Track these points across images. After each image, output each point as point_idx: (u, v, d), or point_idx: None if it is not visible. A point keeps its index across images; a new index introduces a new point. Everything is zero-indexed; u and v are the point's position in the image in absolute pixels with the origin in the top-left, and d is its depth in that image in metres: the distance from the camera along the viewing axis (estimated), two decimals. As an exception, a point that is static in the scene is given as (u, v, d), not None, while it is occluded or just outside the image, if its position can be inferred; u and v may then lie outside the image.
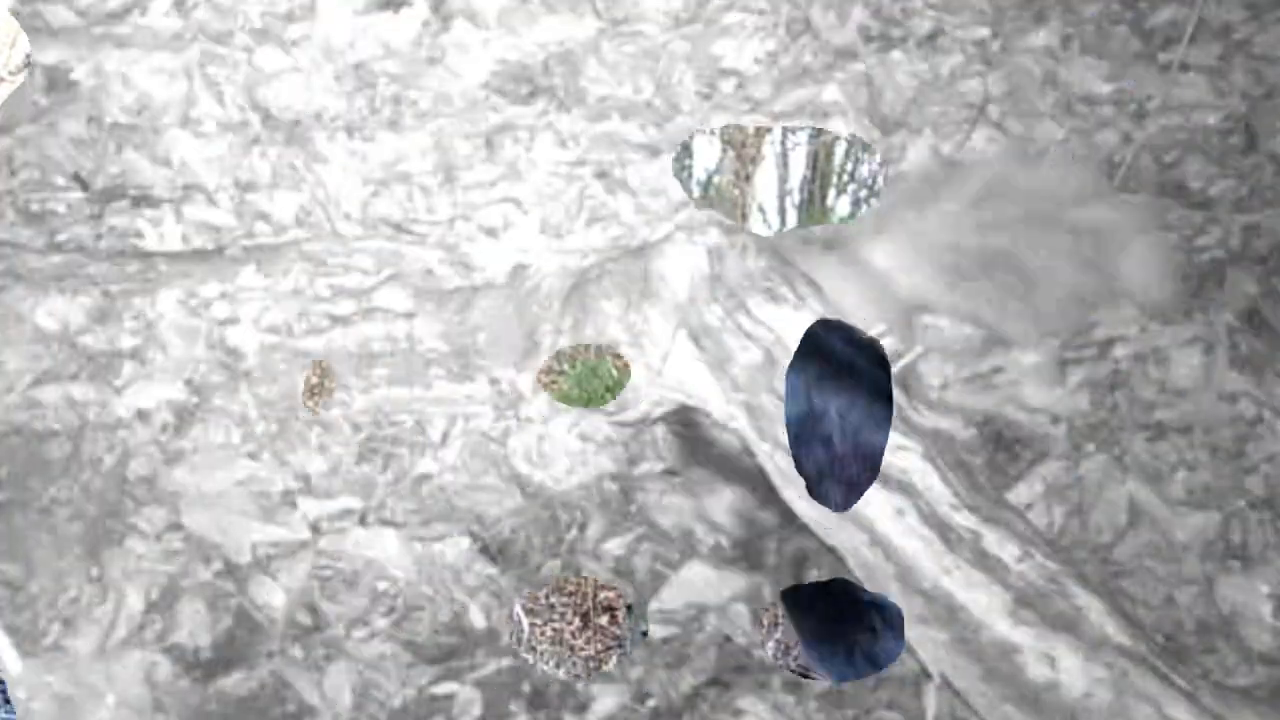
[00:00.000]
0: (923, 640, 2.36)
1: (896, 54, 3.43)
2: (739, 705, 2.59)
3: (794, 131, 3.09)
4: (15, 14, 3.24)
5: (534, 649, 2.47)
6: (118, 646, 2.52)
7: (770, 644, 2.63)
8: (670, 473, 2.83)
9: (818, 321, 2.46)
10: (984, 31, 3.49)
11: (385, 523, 2.70)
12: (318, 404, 2.60)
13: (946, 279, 2.66)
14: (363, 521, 2.69)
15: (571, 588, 2.47)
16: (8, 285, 2.74)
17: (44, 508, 2.61)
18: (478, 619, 2.64)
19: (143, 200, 3.06)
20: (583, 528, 2.76)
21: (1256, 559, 2.75)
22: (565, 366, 2.52)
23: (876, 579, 2.38)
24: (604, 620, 2.48)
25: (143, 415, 2.70)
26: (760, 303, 2.44)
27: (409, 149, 3.20)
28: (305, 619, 2.60)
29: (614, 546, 2.75)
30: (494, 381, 2.73)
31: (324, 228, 3.05)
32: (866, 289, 2.68)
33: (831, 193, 2.80)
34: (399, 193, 3.14)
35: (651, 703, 2.59)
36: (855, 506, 2.37)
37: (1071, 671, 2.25)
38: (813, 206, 2.76)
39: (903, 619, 2.39)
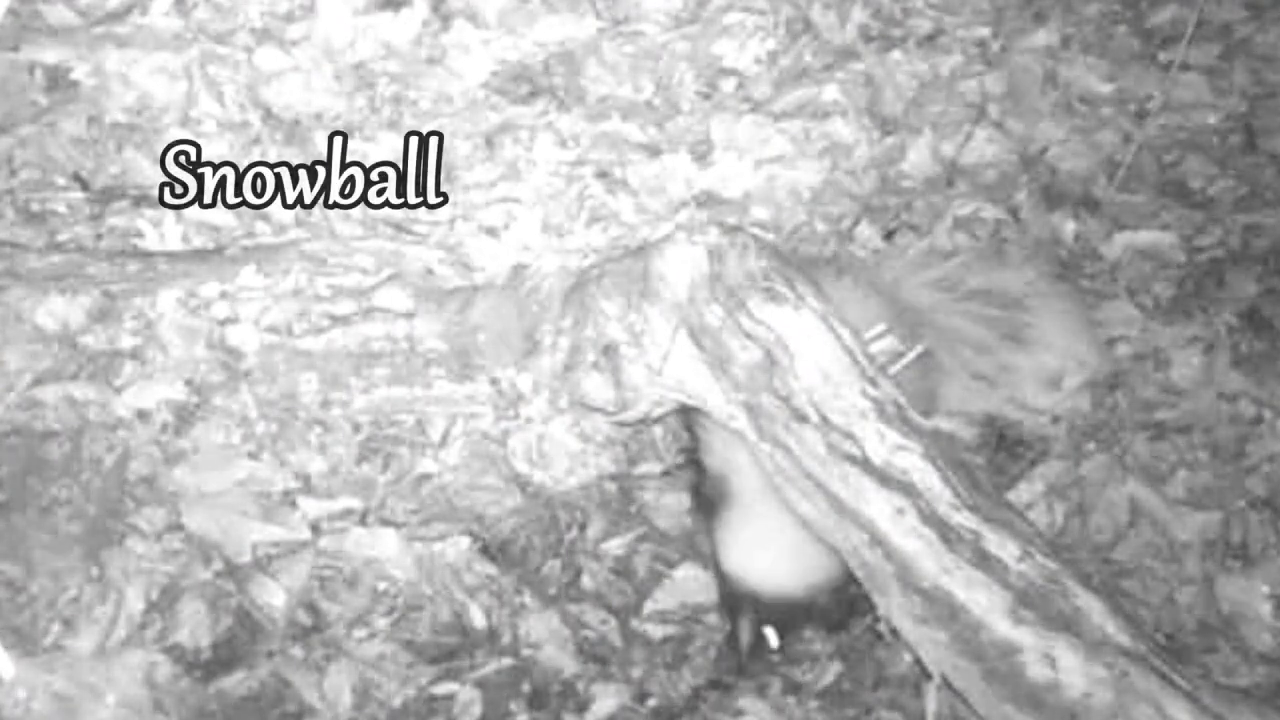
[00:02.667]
0: (923, 640, 2.36)
1: (896, 54, 3.44)
2: (739, 705, 2.59)
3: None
4: (15, 14, 3.25)
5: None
6: (118, 646, 2.51)
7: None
8: (668, 473, 2.83)
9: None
10: (984, 31, 3.49)
11: (385, 523, 2.70)
12: None
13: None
14: (363, 521, 2.69)
15: None
16: (8, 285, 2.74)
17: (44, 508, 2.61)
18: (478, 619, 2.64)
19: (143, 200, 3.06)
20: (583, 528, 2.76)
21: (1256, 559, 2.75)
22: None
23: (876, 579, 2.38)
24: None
25: (143, 415, 2.70)
26: (760, 303, 2.44)
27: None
28: (305, 619, 2.60)
29: (614, 546, 2.75)
30: (494, 381, 2.73)
31: (324, 228, 3.05)
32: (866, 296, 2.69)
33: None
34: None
35: (651, 703, 2.59)
36: (855, 506, 2.36)
37: (1071, 671, 2.25)
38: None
39: None
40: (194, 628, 2.56)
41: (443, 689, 2.56)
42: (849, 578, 2.48)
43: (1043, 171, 3.26)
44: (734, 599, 2.60)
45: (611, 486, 2.79)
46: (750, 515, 2.56)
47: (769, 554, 2.56)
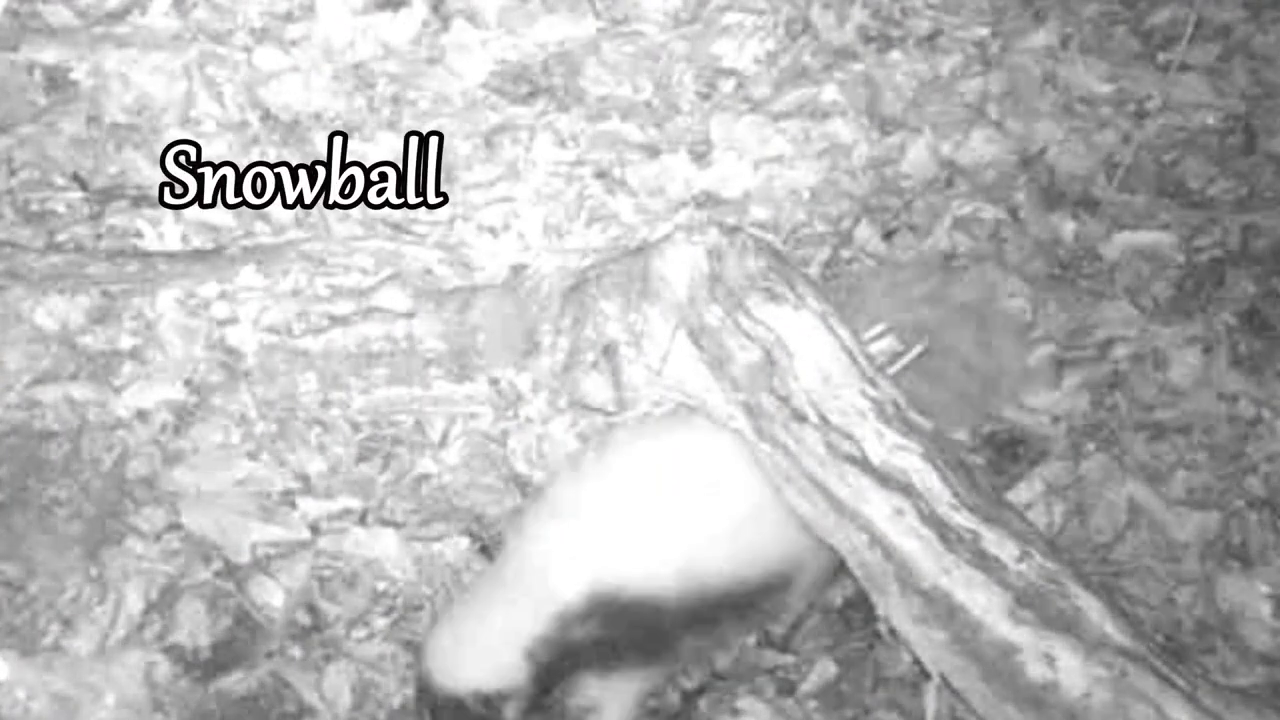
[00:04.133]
0: (923, 640, 2.36)
1: (896, 54, 3.44)
2: (738, 705, 2.59)
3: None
4: (15, 14, 3.25)
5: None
6: (118, 646, 2.52)
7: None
8: None
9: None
10: (984, 31, 3.49)
11: (385, 523, 2.70)
12: None
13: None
14: (363, 521, 2.69)
15: None
16: (8, 285, 2.74)
17: (44, 508, 2.61)
18: (477, 619, 2.64)
19: (142, 200, 3.06)
20: (582, 528, 2.76)
21: (1256, 559, 2.75)
22: None
23: (876, 579, 2.38)
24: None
25: (142, 415, 2.70)
26: (760, 303, 2.44)
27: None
28: (305, 619, 2.60)
29: (614, 546, 2.75)
30: (494, 381, 2.73)
31: (323, 228, 3.05)
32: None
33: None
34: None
35: (651, 703, 2.59)
36: (854, 506, 2.36)
37: (1071, 671, 2.24)
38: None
39: None
40: (193, 628, 2.56)
41: (442, 689, 2.56)
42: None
43: (1042, 171, 3.26)
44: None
45: (611, 486, 2.79)
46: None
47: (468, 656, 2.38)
